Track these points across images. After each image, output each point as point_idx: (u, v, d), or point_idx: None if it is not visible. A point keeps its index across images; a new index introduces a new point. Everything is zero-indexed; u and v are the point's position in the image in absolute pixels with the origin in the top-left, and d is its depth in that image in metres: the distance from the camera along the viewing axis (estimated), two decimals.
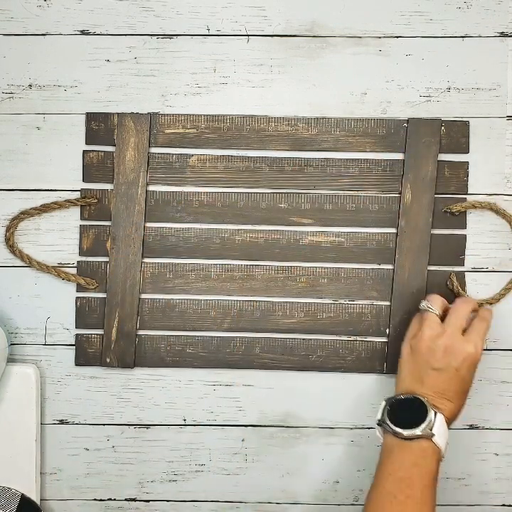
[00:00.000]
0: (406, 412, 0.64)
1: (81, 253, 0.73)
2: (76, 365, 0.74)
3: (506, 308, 0.73)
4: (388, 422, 0.64)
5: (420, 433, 0.62)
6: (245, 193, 0.73)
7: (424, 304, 0.68)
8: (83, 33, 0.72)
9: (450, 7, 0.72)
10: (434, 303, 0.68)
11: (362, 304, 0.73)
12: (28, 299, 0.73)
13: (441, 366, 0.65)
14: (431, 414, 0.63)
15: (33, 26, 0.72)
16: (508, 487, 0.74)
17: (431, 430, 0.62)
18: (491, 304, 0.72)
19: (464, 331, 0.67)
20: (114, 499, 0.75)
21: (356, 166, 0.72)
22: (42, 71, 0.72)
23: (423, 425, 0.62)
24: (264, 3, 0.72)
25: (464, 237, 0.73)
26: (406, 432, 0.63)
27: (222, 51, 0.72)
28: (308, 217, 0.73)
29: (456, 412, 0.66)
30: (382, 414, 0.65)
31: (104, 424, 0.74)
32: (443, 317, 0.68)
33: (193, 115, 0.72)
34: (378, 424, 0.65)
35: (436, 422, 0.63)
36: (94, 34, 0.72)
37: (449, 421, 0.65)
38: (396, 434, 0.63)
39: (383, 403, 0.66)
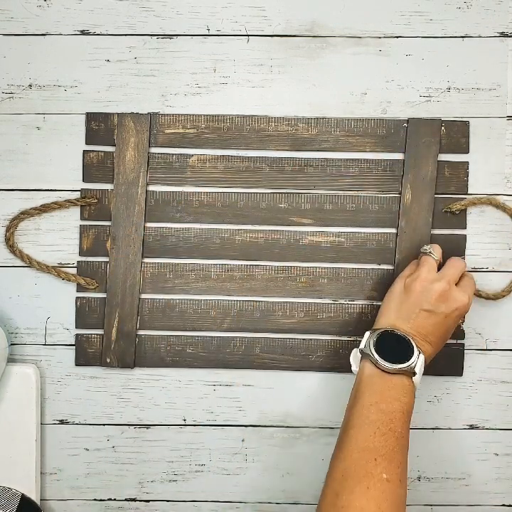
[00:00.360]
0: (389, 346, 0.64)
1: (81, 253, 0.73)
2: (76, 365, 0.74)
3: (507, 308, 0.73)
4: (374, 353, 0.64)
5: (404, 369, 0.63)
6: (245, 193, 0.73)
7: (426, 248, 0.69)
8: (83, 33, 0.72)
9: (450, 7, 0.72)
10: (436, 250, 0.69)
11: (362, 304, 0.73)
12: (28, 299, 0.73)
13: (432, 308, 0.65)
14: (416, 353, 0.63)
15: (33, 26, 0.72)
16: (508, 487, 0.74)
17: (413, 369, 0.63)
18: (495, 299, 0.72)
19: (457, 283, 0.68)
20: (114, 499, 0.75)
21: (356, 166, 0.72)
22: (42, 71, 0.72)
23: (409, 362, 0.63)
24: (264, 3, 0.72)
25: (464, 237, 0.73)
26: (392, 366, 0.63)
27: (222, 51, 0.72)
28: (308, 217, 0.73)
29: (432, 356, 0.67)
30: (367, 344, 0.65)
31: (104, 424, 0.74)
32: (438, 268, 0.68)
33: (193, 115, 0.72)
34: (361, 353, 0.66)
35: (419, 362, 0.64)
36: (94, 34, 0.72)
37: (427, 361, 0.66)
38: (378, 366, 0.63)
39: (367, 333, 0.66)
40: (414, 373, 0.63)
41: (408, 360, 0.63)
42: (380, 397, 0.62)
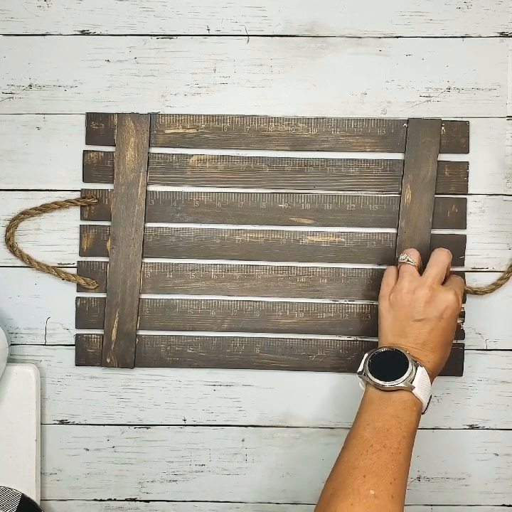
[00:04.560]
0: (387, 364, 0.64)
1: (81, 253, 0.73)
2: (76, 365, 0.74)
3: (507, 308, 0.73)
4: (369, 374, 0.64)
5: (400, 385, 0.63)
6: (245, 193, 0.73)
7: (404, 257, 0.68)
8: (83, 33, 0.72)
9: (450, 7, 0.72)
10: (413, 256, 0.68)
11: (362, 304, 0.73)
12: (28, 299, 0.73)
13: (423, 317, 0.65)
14: (411, 366, 0.63)
15: (33, 26, 0.72)
16: (508, 487, 0.74)
17: (411, 383, 0.63)
18: (491, 291, 0.72)
19: (443, 283, 0.68)
20: (114, 499, 0.75)
21: (356, 166, 0.72)
22: (42, 71, 0.72)
23: (403, 377, 0.63)
24: (264, 3, 0.72)
25: (464, 237, 0.73)
26: (386, 384, 0.63)
27: (222, 51, 0.72)
28: (308, 217, 0.73)
29: (439, 363, 0.66)
30: (364, 366, 0.65)
31: (104, 424, 0.74)
32: (420, 270, 0.68)
33: (193, 115, 0.72)
34: (359, 376, 0.66)
35: (417, 375, 0.63)
36: (94, 34, 0.72)
37: (432, 373, 0.65)
38: (377, 386, 0.64)
39: (365, 355, 0.66)
40: (413, 387, 0.63)
41: (403, 374, 0.63)
42: (377, 416, 0.62)
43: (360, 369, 0.66)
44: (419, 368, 0.64)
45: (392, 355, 0.65)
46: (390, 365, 0.64)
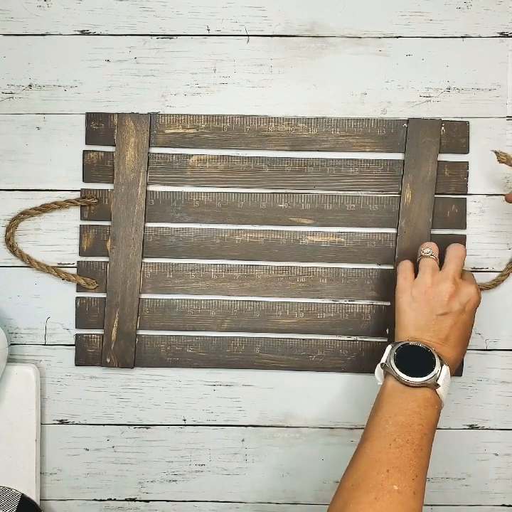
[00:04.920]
0: (411, 359, 0.63)
1: (81, 253, 0.73)
2: (76, 365, 0.74)
3: (507, 308, 0.73)
4: (394, 367, 0.63)
5: (427, 382, 0.62)
6: (245, 193, 0.73)
7: (428, 251, 0.68)
8: (83, 33, 0.72)
9: (450, 7, 0.72)
10: (435, 250, 0.69)
11: (362, 304, 0.73)
12: (28, 299, 0.73)
13: (446, 311, 0.65)
14: (438, 364, 0.63)
15: (33, 26, 0.72)
16: (508, 487, 0.74)
17: (437, 381, 0.62)
18: (494, 287, 0.72)
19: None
20: (114, 499, 0.75)
21: (356, 166, 0.72)
22: (42, 71, 0.72)
23: (430, 375, 0.62)
24: (264, 3, 0.72)
25: (464, 237, 0.73)
26: (413, 380, 0.62)
27: (222, 51, 0.72)
28: (308, 217, 0.73)
29: (457, 361, 0.66)
30: (388, 359, 0.64)
31: (104, 424, 0.74)
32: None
33: (193, 115, 0.72)
34: (383, 368, 0.65)
35: (443, 373, 0.63)
36: (94, 34, 0.72)
37: (452, 367, 0.65)
38: (400, 380, 0.63)
39: (389, 347, 0.65)
40: (438, 385, 0.62)
41: (430, 372, 0.62)
42: (399, 410, 0.61)
43: (383, 360, 0.65)
44: (444, 366, 0.63)
45: (417, 350, 0.64)
46: (415, 360, 0.63)
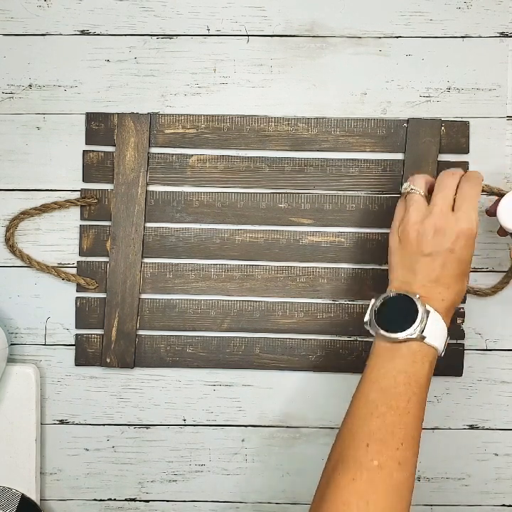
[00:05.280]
0: (396, 311, 0.58)
1: (81, 253, 0.73)
2: (76, 365, 0.74)
3: (507, 308, 0.73)
4: (374, 323, 0.58)
5: (408, 336, 0.57)
6: (245, 193, 0.73)
7: (405, 185, 0.62)
8: (83, 33, 0.72)
9: (450, 7, 0.72)
10: (417, 182, 0.62)
11: (362, 304, 0.73)
12: (28, 299, 0.73)
13: (432, 250, 0.59)
14: (421, 314, 0.57)
15: (33, 26, 0.72)
16: (508, 487, 0.74)
17: (422, 332, 0.57)
18: (493, 293, 0.72)
19: (454, 207, 0.61)
20: (114, 499, 0.75)
21: (356, 166, 0.72)
22: (42, 71, 0.72)
23: (412, 327, 0.57)
24: (264, 3, 0.72)
25: None
26: (392, 335, 0.57)
27: (222, 51, 0.72)
28: (308, 217, 0.73)
29: (455, 299, 0.60)
30: (370, 315, 0.59)
31: (104, 424, 0.74)
32: (429, 198, 0.62)
33: (193, 115, 0.72)
34: (365, 326, 0.60)
35: (429, 322, 0.57)
36: (94, 34, 0.72)
37: (448, 311, 0.60)
38: (385, 338, 0.58)
39: (372, 301, 0.60)
40: (423, 337, 0.57)
41: (412, 324, 0.57)
42: (384, 373, 0.57)
43: (366, 318, 0.60)
44: (431, 313, 0.57)
45: (402, 299, 0.58)
46: (400, 311, 0.58)
